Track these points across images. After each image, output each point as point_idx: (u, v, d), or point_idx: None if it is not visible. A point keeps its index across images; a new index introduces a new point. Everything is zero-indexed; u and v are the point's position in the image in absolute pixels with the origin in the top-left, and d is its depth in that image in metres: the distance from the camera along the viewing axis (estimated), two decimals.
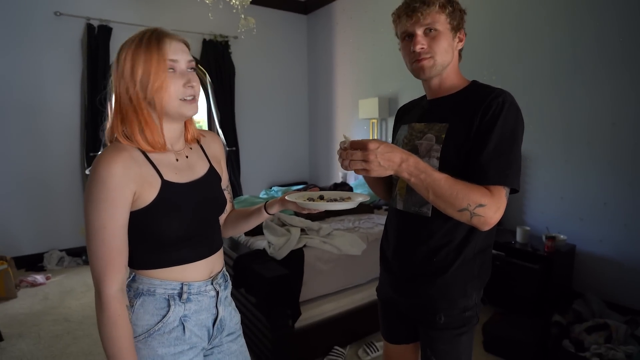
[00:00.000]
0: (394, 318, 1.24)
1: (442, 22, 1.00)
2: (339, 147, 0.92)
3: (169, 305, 0.88)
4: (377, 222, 2.73)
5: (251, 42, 4.48)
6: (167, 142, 0.89)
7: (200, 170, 0.96)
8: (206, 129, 4.81)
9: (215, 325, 0.97)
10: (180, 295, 0.89)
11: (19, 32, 3.50)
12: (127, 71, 0.81)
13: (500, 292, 2.55)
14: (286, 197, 1.02)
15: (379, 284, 1.28)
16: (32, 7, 3.53)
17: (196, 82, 0.87)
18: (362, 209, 3.02)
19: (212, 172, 1.00)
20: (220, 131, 4.63)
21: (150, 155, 0.86)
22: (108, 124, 0.87)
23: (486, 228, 0.93)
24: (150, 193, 0.83)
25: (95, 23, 3.77)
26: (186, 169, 0.92)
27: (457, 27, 1.03)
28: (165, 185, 0.86)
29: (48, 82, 3.69)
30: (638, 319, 2.20)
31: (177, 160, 0.91)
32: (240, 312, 2.20)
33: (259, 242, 2.28)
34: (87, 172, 3.85)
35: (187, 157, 0.94)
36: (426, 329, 1.11)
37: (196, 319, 0.92)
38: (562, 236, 2.61)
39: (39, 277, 3.34)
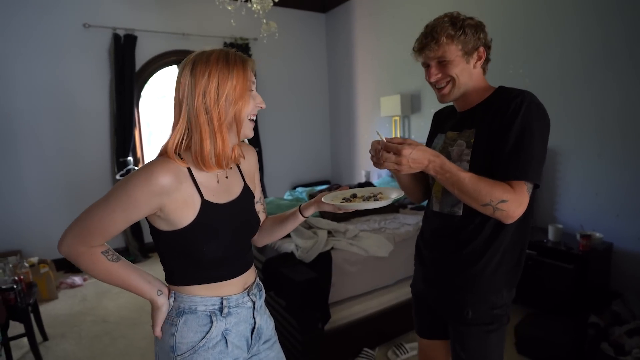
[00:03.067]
0: (425, 312, 1.29)
1: (452, 51, 1.04)
2: (371, 149, 1.01)
3: (211, 321, 0.90)
4: (403, 222, 2.71)
5: (271, 43, 4.51)
6: (229, 162, 0.90)
7: (236, 190, 0.96)
8: None
9: (254, 335, 0.98)
10: (221, 310, 0.91)
11: (51, 44, 3.65)
12: (212, 90, 0.81)
13: (532, 293, 2.49)
14: (322, 199, 1.02)
15: (413, 279, 1.34)
16: (62, 21, 3.68)
17: (263, 102, 0.91)
18: (388, 208, 3.01)
19: (246, 191, 1.00)
20: None
21: (195, 175, 0.87)
22: (172, 138, 0.85)
23: (509, 221, 0.98)
24: (188, 213, 0.84)
25: (121, 32, 3.89)
26: (224, 190, 0.93)
27: (472, 49, 1.06)
28: (205, 205, 0.86)
29: (79, 91, 3.84)
30: None
31: (217, 182, 0.92)
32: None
33: (287, 245, 2.31)
34: (117, 177, 3.99)
35: (227, 177, 0.95)
36: (455, 324, 1.15)
37: (236, 331, 0.94)
38: (597, 234, 2.51)
39: (77, 279, 3.50)
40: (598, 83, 2.55)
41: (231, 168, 0.97)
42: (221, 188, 0.92)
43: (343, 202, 1.03)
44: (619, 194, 2.51)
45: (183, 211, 0.84)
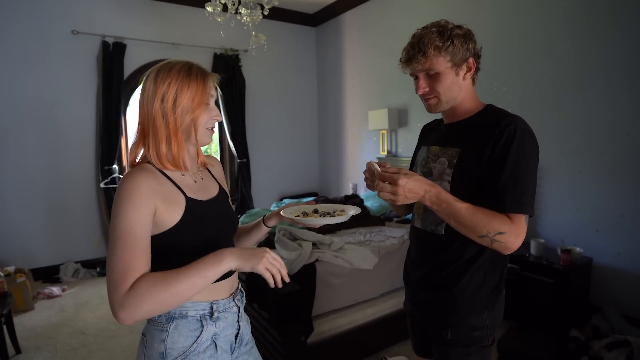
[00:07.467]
0: (417, 331, 1.29)
1: (440, 63, 1.02)
2: (365, 172, 1.01)
3: (202, 326, 0.92)
4: (389, 234, 2.72)
5: (261, 55, 4.55)
6: (187, 164, 0.96)
7: (213, 190, 1.02)
8: (217, 141, 4.87)
9: (237, 339, 1.01)
10: (211, 314, 0.93)
11: (38, 50, 3.62)
12: (170, 97, 0.88)
13: (514, 307, 2.50)
14: (281, 213, 1.07)
15: (405, 297, 1.33)
16: (51, 27, 3.66)
17: (220, 115, 0.98)
18: (373, 221, 3.02)
19: (222, 192, 1.05)
20: (231, 143, 4.69)
21: (171, 176, 0.91)
22: (135, 144, 0.92)
23: (507, 252, 0.97)
24: (175, 212, 0.87)
25: (110, 40, 3.88)
26: (202, 189, 0.98)
27: (461, 60, 1.03)
28: (190, 202, 0.91)
29: (65, 98, 3.79)
30: None
31: (195, 182, 0.97)
32: (253, 326, 2.22)
33: None
34: (102, 185, 3.92)
35: (201, 178, 1.01)
36: (436, 344, 1.15)
37: (224, 336, 0.96)
38: (578, 249, 2.56)
39: (55, 289, 3.40)
40: (578, 101, 2.63)
41: (201, 171, 1.03)
42: (199, 187, 0.97)
43: (298, 217, 1.05)
44: (599, 209, 2.57)
45: (170, 209, 0.87)
